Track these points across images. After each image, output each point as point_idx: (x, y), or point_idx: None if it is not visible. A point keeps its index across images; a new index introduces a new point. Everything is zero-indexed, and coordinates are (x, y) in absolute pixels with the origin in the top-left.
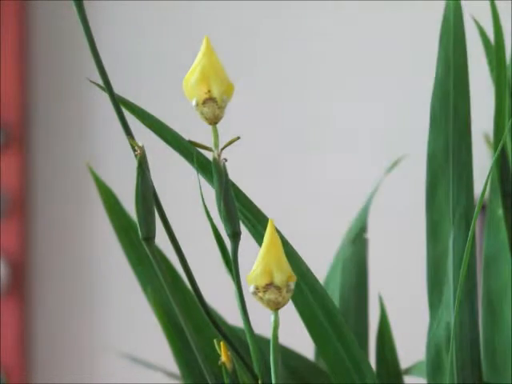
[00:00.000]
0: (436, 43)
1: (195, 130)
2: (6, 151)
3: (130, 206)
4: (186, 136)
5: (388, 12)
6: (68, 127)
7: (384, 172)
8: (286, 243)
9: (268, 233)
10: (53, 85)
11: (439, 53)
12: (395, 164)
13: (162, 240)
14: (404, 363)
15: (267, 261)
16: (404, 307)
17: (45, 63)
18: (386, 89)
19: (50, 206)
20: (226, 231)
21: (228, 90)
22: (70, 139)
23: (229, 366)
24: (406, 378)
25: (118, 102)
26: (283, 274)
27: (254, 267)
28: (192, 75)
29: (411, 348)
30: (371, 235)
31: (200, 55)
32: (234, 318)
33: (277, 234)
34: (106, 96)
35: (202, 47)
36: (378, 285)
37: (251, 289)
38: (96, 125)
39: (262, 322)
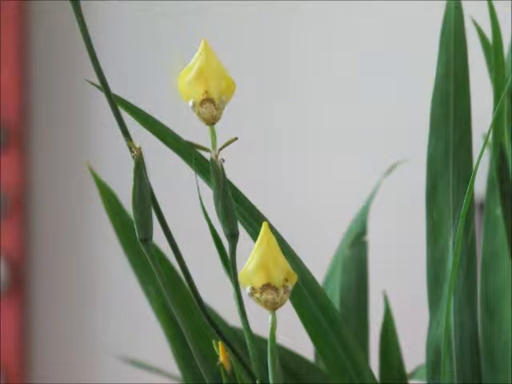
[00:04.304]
0: (436, 44)
1: (193, 131)
2: (5, 151)
3: (129, 206)
4: (184, 136)
5: (388, 12)
6: (68, 127)
7: (382, 175)
8: (284, 244)
9: (261, 234)
10: (53, 85)
11: (439, 54)
12: (392, 168)
13: (162, 241)
14: (405, 363)
15: (260, 259)
16: (404, 307)
17: (45, 63)
18: (386, 89)
19: (49, 205)
20: (224, 232)
21: (227, 89)
22: (69, 139)
23: (227, 366)
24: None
25: (116, 103)
26: (280, 272)
27: (245, 265)
28: (187, 75)
29: (411, 348)
30: (371, 236)
31: (197, 55)
32: (235, 319)
33: (271, 234)
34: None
35: (200, 48)
36: (378, 285)
37: (248, 290)
38: (96, 125)
39: (261, 323)
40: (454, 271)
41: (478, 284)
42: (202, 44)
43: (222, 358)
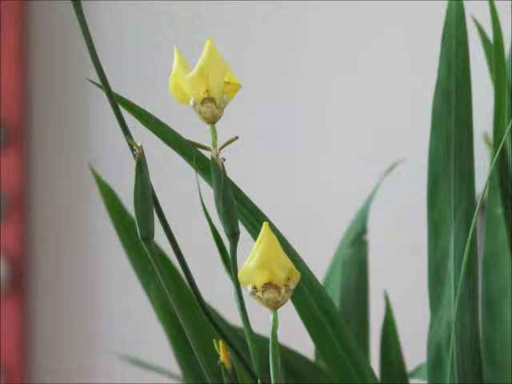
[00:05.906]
0: (438, 43)
1: (194, 129)
2: (5, 150)
3: (130, 205)
4: (185, 135)
5: (389, 11)
6: (68, 126)
7: (382, 174)
8: (284, 243)
9: (262, 233)
10: (53, 84)
11: (441, 53)
12: (392, 168)
13: (162, 240)
14: (406, 363)
15: (262, 258)
16: (404, 307)
17: (45, 63)
18: (387, 89)
19: (50, 205)
20: (225, 231)
21: (229, 89)
22: (70, 138)
23: (228, 365)
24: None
25: (116, 101)
26: (282, 270)
27: (244, 264)
28: (182, 74)
29: (412, 347)
30: (372, 235)
31: (202, 55)
32: (235, 318)
33: (272, 233)
34: (105, 95)
35: (205, 48)
36: (378, 285)
37: (249, 289)
38: (96, 124)
39: (261, 322)
40: (456, 271)
41: (478, 284)
42: (206, 43)
43: (222, 357)
